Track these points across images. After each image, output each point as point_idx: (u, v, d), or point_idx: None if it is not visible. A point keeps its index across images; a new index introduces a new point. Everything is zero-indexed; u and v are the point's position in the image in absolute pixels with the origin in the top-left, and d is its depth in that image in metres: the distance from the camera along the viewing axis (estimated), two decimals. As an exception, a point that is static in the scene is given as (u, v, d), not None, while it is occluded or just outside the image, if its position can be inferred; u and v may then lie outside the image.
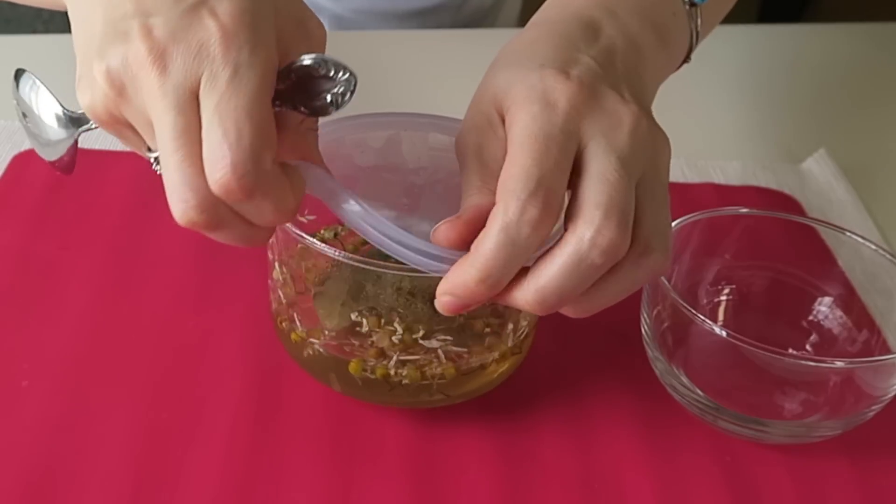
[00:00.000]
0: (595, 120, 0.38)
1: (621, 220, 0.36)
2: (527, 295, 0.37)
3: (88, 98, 0.39)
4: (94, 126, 0.41)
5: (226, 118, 0.35)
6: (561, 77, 0.38)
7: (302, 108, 0.37)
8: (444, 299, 0.37)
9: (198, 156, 0.36)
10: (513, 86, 0.39)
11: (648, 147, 0.38)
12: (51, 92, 0.42)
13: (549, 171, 0.36)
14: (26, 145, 0.61)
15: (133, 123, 0.39)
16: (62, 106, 0.42)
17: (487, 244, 0.36)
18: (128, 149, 0.63)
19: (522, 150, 0.37)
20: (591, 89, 0.38)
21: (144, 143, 0.40)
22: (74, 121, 0.41)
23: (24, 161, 0.59)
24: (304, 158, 0.40)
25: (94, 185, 0.58)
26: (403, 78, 0.76)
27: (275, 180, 0.36)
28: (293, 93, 0.37)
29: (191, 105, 0.36)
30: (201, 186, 0.36)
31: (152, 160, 0.40)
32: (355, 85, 0.37)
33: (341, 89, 0.37)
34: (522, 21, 1.02)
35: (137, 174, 0.59)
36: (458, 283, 0.37)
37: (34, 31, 1.09)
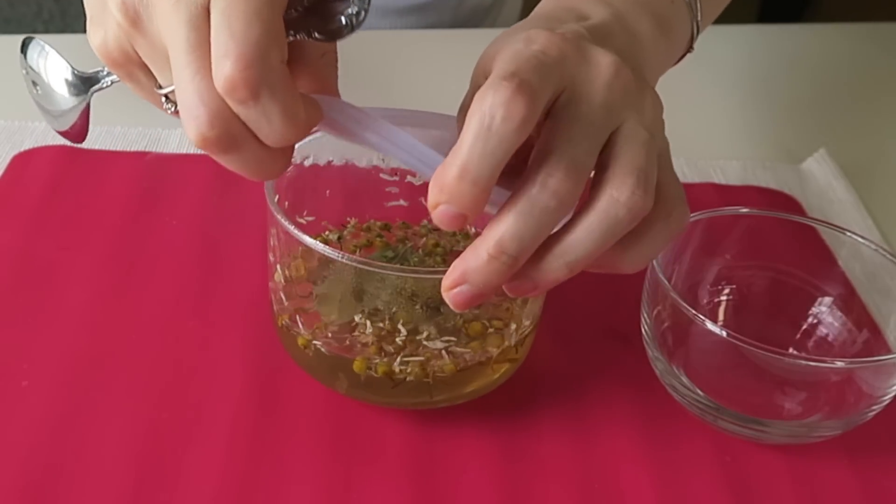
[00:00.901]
0: (576, 66, 0.37)
1: (643, 178, 0.35)
2: (555, 254, 0.37)
3: (101, 36, 0.40)
4: (106, 84, 0.41)
5: (233, 18, 0.35)
6: (545, 32, 0.38)
7: (316, 35, 0.37)
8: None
9: (209, 69, 0.36)
10: (499, 51, 0.39)
11: (632, 95, 0.37)
12: (60, 55, 0.42)
13: (526, 70, 0.35)
14: (26, 145, 0.61)
15: (146, 59, 0.40)
16: (73, 67, 0.41)
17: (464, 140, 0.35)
18: (127, 149, 0.63)
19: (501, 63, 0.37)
20: (575, 44, 0.37)
21: (155, 82, 0.40)
22: (86, 80, 0.41)
23: (24, 161, 0.59)
24: (325, 93, 0.40)
25: (94, 185, 0.58)
26: (403, 78, 0.76)
27: (282, 79, 0.36)
28: (306, 19, 0.37)
29: (204, 20, 0.36)
30: (213, 98, 0.36)
31: (163, 98, 0.40)
32: (369, 2, 0.37)
33: (355, 9, 0.36)
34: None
35: (137, 174, 0.59)
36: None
37: (34, 31, 1.09)
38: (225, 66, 0.35)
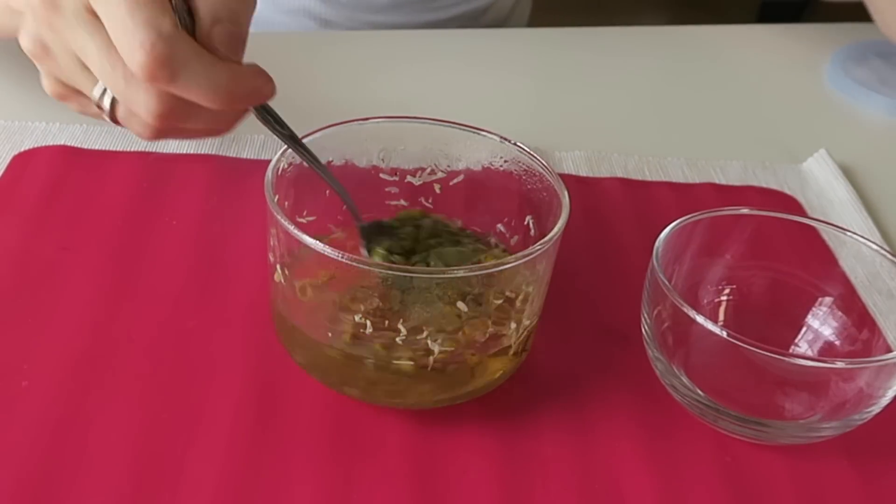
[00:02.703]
0: None
1: None
2: None
3: (48, 89, 0.47)
4: None
5: (116, 9, 0.40)
6: None
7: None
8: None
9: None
10: None
11: None
12: None
13: None
14: (26, 145, 0.61)
15: (70, 80, 0.45)
16: None
17: None
18: (128, 149, 0.63)
19: None
20: None
21: (91, 102, 0.46)
22: None
23: (24, 161, 0.59)
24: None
25: (94, 185, 0.58)
26: (403, 78, 0.76)
27: (185, 41, 0.40)
28: None
29: (96, 22, 0.41)
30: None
31: (97, 98, 0.46)
32: None
33: None
34: (533, 21, 1.03)
35: (137, 174, 0.59)
36: None
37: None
38: (134, 59, 0.40)
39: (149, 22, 0.39)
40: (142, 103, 0.43)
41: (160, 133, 0.45)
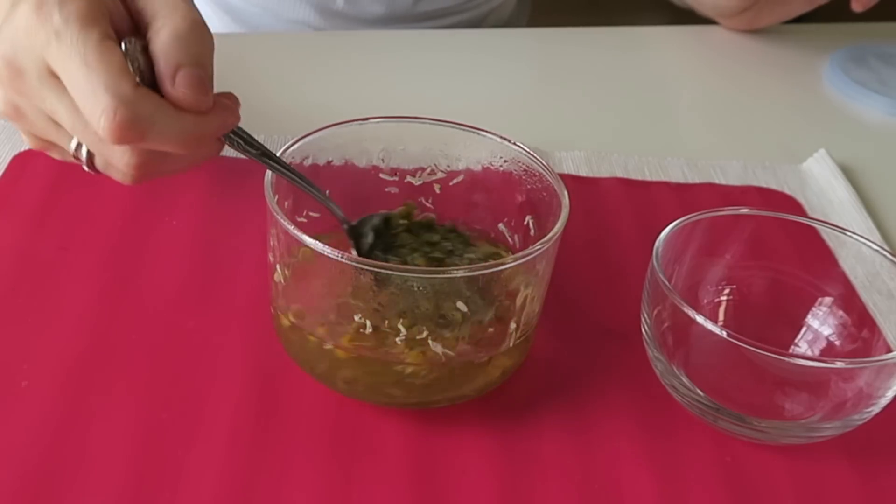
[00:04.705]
0: None
1: None
2: None
3: (28, 143, 0.48)
4: None
5: (78, 78, 0.40)
6: None
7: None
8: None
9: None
10: None
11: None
12: None
13: None
14: (26, 145, 0.61)
15: (46, 136, 0.46)
16: None
17: None
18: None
19: None
20: None
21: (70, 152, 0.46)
22: None
23: (24, 161, 0.59)
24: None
25: (94, 185, 0.58)
26: (403, 78, 0.76)
27: (149, 98, 0.40)
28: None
29: (61, 85, 0.42)
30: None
31: (73, 151, 0.46)
32: None
33: None
34: (532, 21, 1.03)
35: (137, 174, 0.59)
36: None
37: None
38: (99, 125, 0.40)
39: (108, 87, 0.39)
40: (117, 159, 0.43)
41: (141, 179, 0.45)
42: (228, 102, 0.44)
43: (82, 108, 0.41)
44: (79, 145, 0.46)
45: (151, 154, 0.43)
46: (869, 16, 0.81)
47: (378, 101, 0.71)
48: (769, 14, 0.85)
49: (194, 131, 0.42)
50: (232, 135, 0.45)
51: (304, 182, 0.46)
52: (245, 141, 0.45)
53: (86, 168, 0.47)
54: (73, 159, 0.47)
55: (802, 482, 0.45)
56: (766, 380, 0.44)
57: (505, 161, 0.50)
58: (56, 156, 0.49)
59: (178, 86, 0.41)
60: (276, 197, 0.44)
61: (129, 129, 0.40)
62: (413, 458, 0.44)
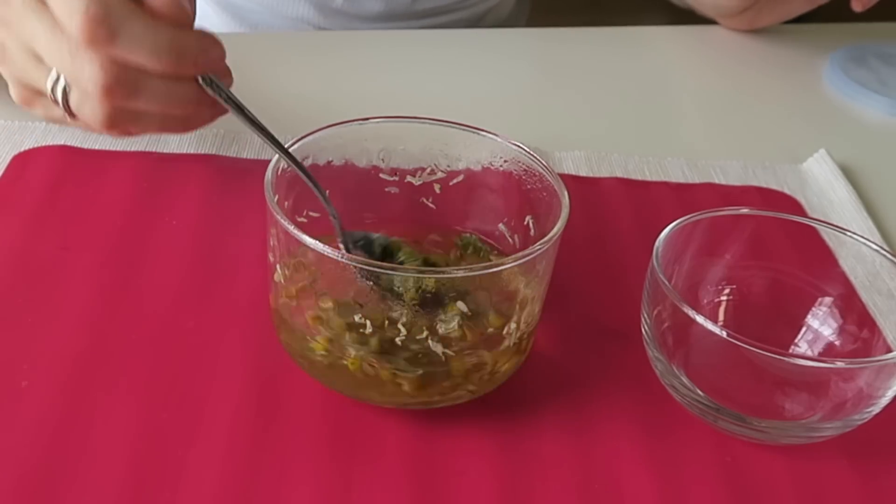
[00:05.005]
0: None
1: None
2: None
3: (14, 95, 0.49)
4: None
5: None
6: None
7: None
8: None
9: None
10: None
11: None
12: None
13: None
14: (26, 145, 0.61)
15: (27, 77, 0.47)
16: None
17: None
18: (128, 149, 0.63)
19: None
20: None
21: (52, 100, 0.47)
22: None
23: (24, 161, 0.59)
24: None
25: (94, 185, 0.58)
26: (403, 78, 0.76)
27: (123, 2, 0.42)
28: None
29: (43, 6, 0.43)
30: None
31: (50, 89, 0.47)
32: None
33: None
34: (532, 21, 1.03)
35: (137, 174, 0.59)
36: None
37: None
38: (73, 24, 0.41)
39: None
40: (87, 76, 0.43)
41: (112, 118, 0.45)
42: (211, 35, 0.45)
43: (59, 13, 0.42)
44: (55, 82, 0.46)
45: (123, 73, 0.43)
46: (869, 16, 0.81)
47: (378, 101, 0.71)
48: (769, 14, 0.85)
49: (170, 45, 0.43)
50: (212, 81, 0.45)
51: (285, 154, 0.46)
52: (225, 93, 0.46)
53: (64, 115, 0.47)
54: (58, 112, 0.47)
55: (802, 482, 0.45)
56: (766, 380, 0.44)
57: (505, 161, 0.50)
58: (41, 112, 0.49)
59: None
60: (276, 197, 0.44)
61: (101, 26, 0.41)
62: (413, 459, 0.44)
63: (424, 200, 0.52)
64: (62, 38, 0.43)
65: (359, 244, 0.49)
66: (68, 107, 0.47)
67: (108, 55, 0.43)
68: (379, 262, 0.45)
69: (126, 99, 0.44)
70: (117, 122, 0.46)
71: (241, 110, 0.46)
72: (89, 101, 0.45)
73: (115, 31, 0.41)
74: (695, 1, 0.87)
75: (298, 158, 0.47)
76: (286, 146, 0.47)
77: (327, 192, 0.48)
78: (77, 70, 0.44)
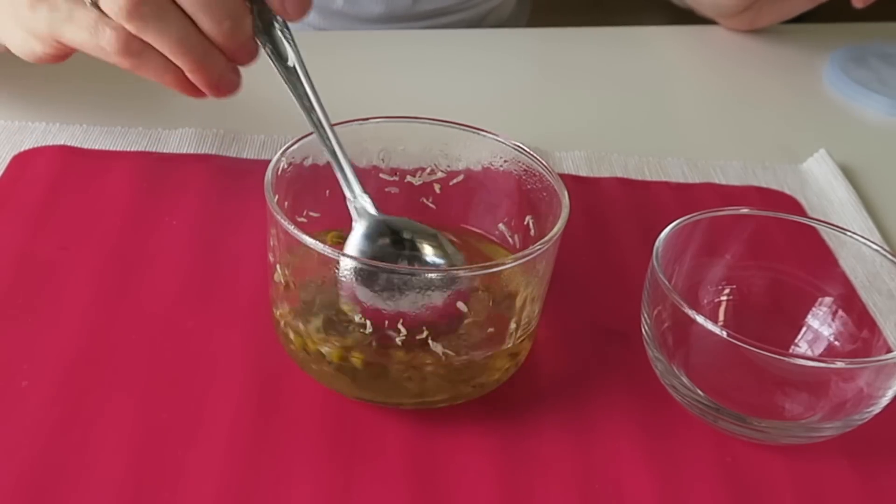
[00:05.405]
0: None
1: None
2: None
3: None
4: None
5: None
6: None
7: None
8: None
9: None
10: None
11: None
12: None
13: None
14: (26, 145, 0.61)
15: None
16: None
17: None
18: (127, 149, 0.63)
19: None
20: None
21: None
22: None
23: (24, 161, 0.59)
24: None
25: (94, 185, 0.58)
26: (403, 78, 0.76)
27: None
28: None
29: None
30: None
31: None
32: None
33: None
34: (533, 21, 1.03)
35: (137, 174, 0.59)
36: None
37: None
38: None
39: None
40: None
41: (142, 11, 0.45)
42: None
43: None
44: None
45: None
46: (869, 16, 0.81)
47: (378, 101, 0.71)
48: (769, 13, 0.85)
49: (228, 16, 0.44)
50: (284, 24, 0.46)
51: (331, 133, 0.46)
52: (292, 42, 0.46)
53: (87, 4, 0.46)
54: (60, 8, 0.47)
55: (802, 482, 0.45)
56: (766, 380, 0.44)
57: (505, 161, 0.50)
58: (42, 15, 0.48)
59: None
60: (276, 197, 0.44)
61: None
62: (413, 458, 0.44)
63: (424, 200, 0.52)
64: None
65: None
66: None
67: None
68: (378, 262, 0.45)
69: (148, 18, 0.45)
70: (141, 16, 0.45)
71: (296, 72, 0.45)
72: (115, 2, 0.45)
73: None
74: (694, 1, 0.87)
75: (298, 159, 0.47)
76: (286, 146, 0.47)
77: (327, 191, 0.48)
78: None
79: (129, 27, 0.46)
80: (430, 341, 0.43)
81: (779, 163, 0.69)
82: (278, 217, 0.42)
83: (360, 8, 0.86)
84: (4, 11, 0.50)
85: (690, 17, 0.90)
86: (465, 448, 0.45)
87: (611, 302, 0.54)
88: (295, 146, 0.47)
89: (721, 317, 0.51)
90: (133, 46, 0.47)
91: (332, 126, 0.47)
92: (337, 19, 0.87)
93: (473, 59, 0.81)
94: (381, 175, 0.51)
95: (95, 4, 0.46)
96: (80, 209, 0.56)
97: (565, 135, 0.70)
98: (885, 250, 0.49)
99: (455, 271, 0.44)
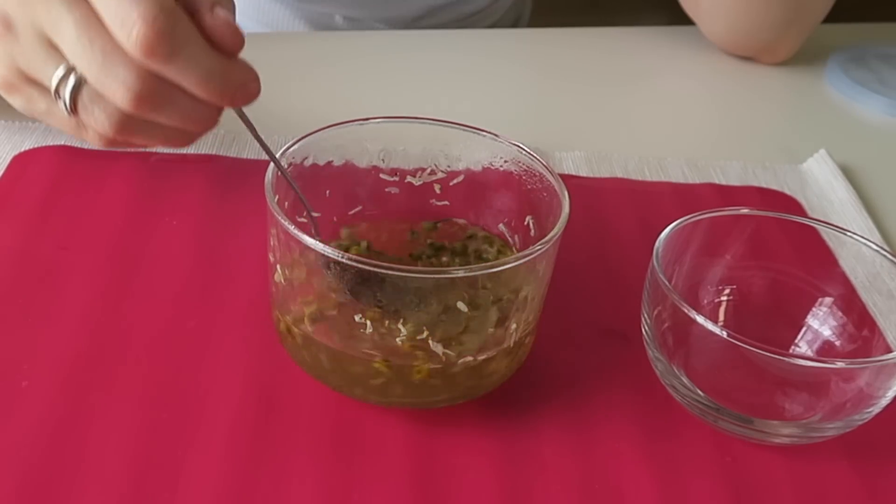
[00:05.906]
0: None
1: None
2: None
3: None
4: None
5: None
6: None
7: None
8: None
9: (110, 37, 0.40)
10: None
11: None
12: None
13: None
14: (26, 145, 0.61)
15: (28, 63, 0.44)
16: None
17: None
18: (128, 149, 0.63)
19: None
20: None
21: (45, 87, 0.44)
22: None
23: (24, 161, 0.59)
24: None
25: (94, 185, 0.58)
26: (403, 78, 0.76)
27: (184, 20, 0.39)
28: None
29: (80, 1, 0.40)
30: (131, 60, 0.41)
31: (55, 84, 0.44)
32: None
33: None
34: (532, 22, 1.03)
35: (138, 174, 0.59)
36: None
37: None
38: (133, 31, 0.38)
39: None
40: (120, 81, 0.41)
41: (124, 125, 0.43)
42: (254, 70, 0.43)
43: (111, 12, 0.39)
44: (64, 77, 0.43)
45: (159, 87, 0.41)
46: (869, 16, 0.81)
47: (378, 101, 0.71)
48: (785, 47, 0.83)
49: (220, 74, 0.41)
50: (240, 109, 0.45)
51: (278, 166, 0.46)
52: (245, 117, 0.46)
53: (62, 108, 0.44)
54: (40, 106, 0.45)
55: (802, 482, 0.45)
56: (766, 380, 0.44)
57: (505, 161, 0.50)
58: (19, 102, 0.47)
59: (216, 16, 0.40)
60: (277, 197, 0.44)
61: (164, 43, 0.38)
62: (413, 458, 0.44)
63: (424, 201, 0.52)
64: (96, 38, 0.40)
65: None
66: (73, 105, 0.44)
67: (154, 68, 0.40)
68: (378, 262, 0.45)
69: (151, 110, 0.42)
70: (127, 129, 0.44)
71: (252, 129, 0.46)
72: (107, 106, 0.43)
73: (176, 50, 0.39)
74: (696, 18, 0.84)
75: (298, 159, 0.47)
76: (286, 146, 0.47)
77: (328, 191, 0.48)
78: (107, 73, 0.41)
79: (115, 136, 0.46)
80: (430, 341, 0.43)
81: (779, 163, 0.69)
82: (278, 217, 0.42)
83: (360, 25, 0.87)
84: None
85: (690, 18, 0.90)
86: (465, 448, 0.45)
87: (611, 302, 0.54)
88: (295, 146, 0.47)
89: (721, 317, 0.51)
90: (118, 143, 0.48)
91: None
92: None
93: (474, 60, 0.81)
94: (381, 175, 0.51)
95: (74, 111, 0.45)
96: (79, 209, 0.56)
97: (565, 135, 0.70)
98: (885, 250, 0.49)
99: (455, 271, 0.44)
